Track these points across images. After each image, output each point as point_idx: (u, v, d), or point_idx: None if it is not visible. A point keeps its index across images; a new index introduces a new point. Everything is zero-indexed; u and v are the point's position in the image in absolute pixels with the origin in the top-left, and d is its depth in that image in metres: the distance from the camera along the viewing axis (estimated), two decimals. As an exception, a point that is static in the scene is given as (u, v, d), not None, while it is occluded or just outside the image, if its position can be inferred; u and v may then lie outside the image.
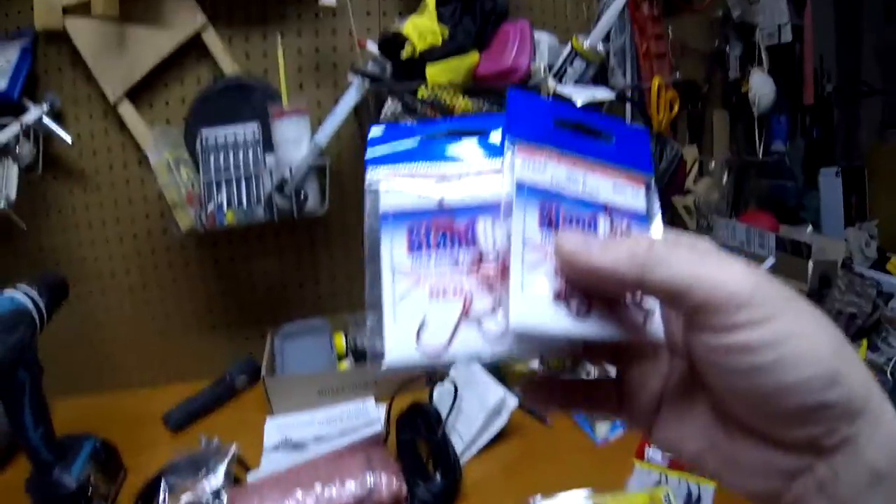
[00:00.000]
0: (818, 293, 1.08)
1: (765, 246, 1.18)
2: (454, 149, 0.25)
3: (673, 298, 0.20)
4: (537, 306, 0.21)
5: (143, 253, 0.95)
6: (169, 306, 0.98)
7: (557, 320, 0.21)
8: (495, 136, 0.25)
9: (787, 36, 1.29)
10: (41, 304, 0.64)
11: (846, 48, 1.90)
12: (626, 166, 0.25)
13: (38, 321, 0.64)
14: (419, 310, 0.22)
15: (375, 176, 0.25)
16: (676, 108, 0.93)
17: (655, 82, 0.90)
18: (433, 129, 0.26)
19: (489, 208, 0.24)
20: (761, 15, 1.28)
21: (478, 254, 0.23)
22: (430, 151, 0.25)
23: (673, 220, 1.08)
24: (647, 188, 0.26)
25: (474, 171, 0.25)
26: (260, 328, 0.98)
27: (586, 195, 0.24)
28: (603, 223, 0.24)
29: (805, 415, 0.19)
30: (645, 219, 0.25)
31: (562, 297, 0.22)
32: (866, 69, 2.04)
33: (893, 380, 0.86)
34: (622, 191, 0.25)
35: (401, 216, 0.24)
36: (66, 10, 0.83)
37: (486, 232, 0.24)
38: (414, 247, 0.23)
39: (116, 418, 0.86)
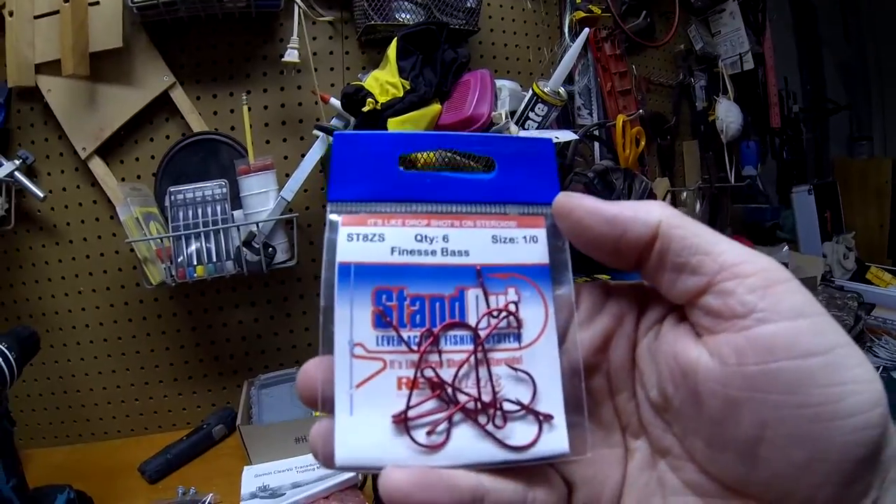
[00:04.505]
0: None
1: (741, 270, 1.18)
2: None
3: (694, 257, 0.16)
4: (369, 435, 0.16)
5: (116, 305, 0.94)
6: (143, 357, 0.97)
7: (396, 451, 0.16)
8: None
9: (749, 63, 1.32)
10: (12, 359, 0.64)
11: (809, 69, 1.95)
12: (515, 201, 0.19)
13: (8, 375, 0.63)
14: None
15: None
16: (643, 143, 0.94)
17: (619, 120, 0.91)
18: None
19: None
20: (722, 46, 1.32)
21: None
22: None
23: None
24: (551, 228, 0.18)
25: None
26: (236, 378, 0.98)
27: (447, 261, 0.18)
28: (473, 301, 0.18)
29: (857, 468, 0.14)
30: (547, 273, 0.18)
31: (403, 420, 0.17)
32: (831, 87, 2.09)
33: (885, 391, 0.85)
34: (508, 240, 0.18)
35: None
36: (39, 68, 0.84)
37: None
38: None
39: (91, 469, 0.84)
